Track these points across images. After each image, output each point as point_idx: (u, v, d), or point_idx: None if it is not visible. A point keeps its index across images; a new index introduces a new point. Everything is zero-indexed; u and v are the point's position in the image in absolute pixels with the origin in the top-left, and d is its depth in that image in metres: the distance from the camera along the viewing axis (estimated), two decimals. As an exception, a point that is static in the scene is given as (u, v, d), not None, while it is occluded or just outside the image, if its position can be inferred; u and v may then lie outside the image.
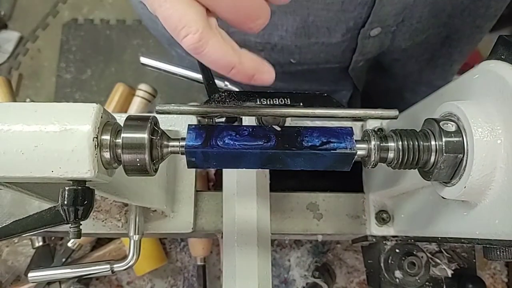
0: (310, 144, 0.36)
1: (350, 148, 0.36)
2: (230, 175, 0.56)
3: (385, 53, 0.73)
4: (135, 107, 0.89)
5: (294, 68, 0.72)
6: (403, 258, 0.56)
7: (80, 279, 0.76)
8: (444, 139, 0.35)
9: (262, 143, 0.36)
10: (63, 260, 0.76)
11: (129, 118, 0.35)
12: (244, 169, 0.55)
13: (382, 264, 0.58)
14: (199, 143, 0.35)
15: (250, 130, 0.37)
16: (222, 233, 0.56)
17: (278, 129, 0.37)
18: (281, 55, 0.68)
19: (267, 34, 0.64)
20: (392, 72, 0.82)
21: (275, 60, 0.69)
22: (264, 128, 0.37)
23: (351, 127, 0.37)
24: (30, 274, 0.54)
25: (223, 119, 0.55)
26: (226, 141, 0.36)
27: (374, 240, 0.59)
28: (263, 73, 0.33)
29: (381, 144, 0.37)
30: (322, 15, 0.60)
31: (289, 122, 0.43)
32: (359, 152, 0.37)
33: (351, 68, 0.74)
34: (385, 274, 0.57)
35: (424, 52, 0.76)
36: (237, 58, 0.31)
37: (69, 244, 0.77)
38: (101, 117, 0.34)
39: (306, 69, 0.73)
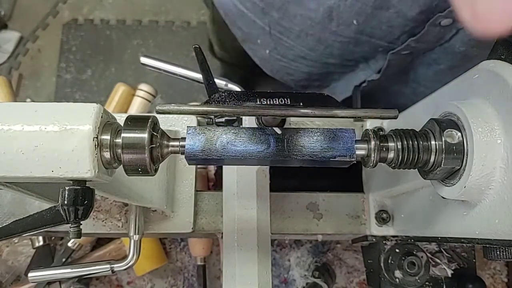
0: (309, 151, 0.36)
1: (350, 156, 0.36)
2: (230, 175, 0.56)
3: (427, 53, 0.70)
4: (135, 107, 0.89)
5: (347, 33, 0.69)
6: (403, 258, 0.56)
7: (80, 279, 0.76)
8: (444, 139, 0.35)
9: (262, 149, 0.36)
10: (63, 260, 0.76)
11: (129, 118, 0.35)
12: (244, 168, 0.56)
13: (382, 264, 0.58)
14: (199, 149, 0.35)
15: (250, 133, 0.36)
16: (222, 233, 0.56)
17: (279, 132, 0.37)
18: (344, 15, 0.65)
19: None
20: (409, 76, 0.79)
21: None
22: (264, 131, 0.37)
23: (353, 129, 0.37)
24: (30, 274, 0.54)
25: (223, 119, 0.56)
26: (225, 146, 0.35)
27: (374, 240, 0.59)
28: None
29: (381, 144, 0.37)
30: None
31: (289, 121, 0.43)
32: (359, 152, 0.37)
33: (394, 51, 0.71)
34: (385, 274, 0.57)
35: (458, 63, 0.74)
36: None
37: (69, 244, 0.77)
38: (101, 117, 0.34)
39: (355, 38, 0.69)
